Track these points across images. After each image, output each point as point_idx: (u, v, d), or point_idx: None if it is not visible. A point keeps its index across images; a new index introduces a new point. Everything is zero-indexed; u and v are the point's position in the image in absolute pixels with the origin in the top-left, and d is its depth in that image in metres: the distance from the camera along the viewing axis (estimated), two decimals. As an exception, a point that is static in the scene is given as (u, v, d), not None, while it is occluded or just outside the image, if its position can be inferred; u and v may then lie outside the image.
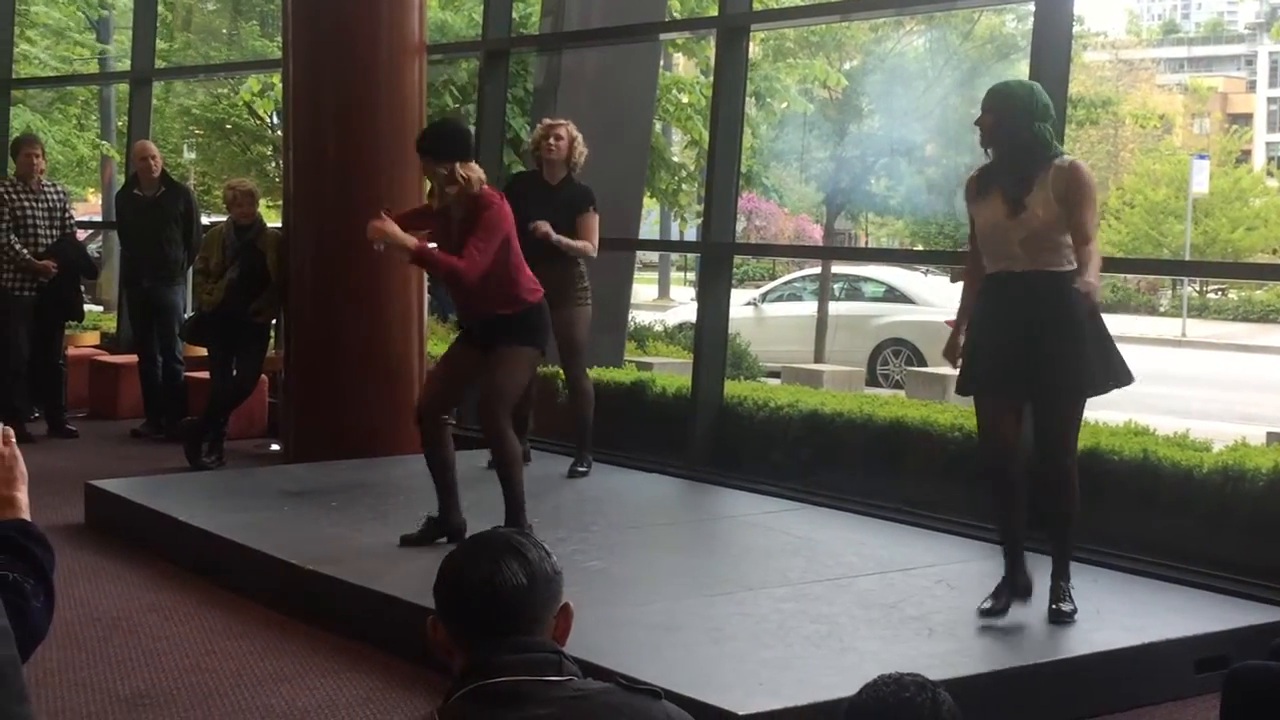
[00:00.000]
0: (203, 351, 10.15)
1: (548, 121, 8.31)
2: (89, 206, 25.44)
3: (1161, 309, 32.54)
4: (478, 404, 6.84)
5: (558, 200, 8.07)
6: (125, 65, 16.21)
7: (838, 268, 20.12)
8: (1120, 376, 5.63)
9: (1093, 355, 5.53)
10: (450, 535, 6.63)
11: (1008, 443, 5.67)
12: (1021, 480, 5.70)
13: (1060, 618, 5.62)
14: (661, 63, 14.38)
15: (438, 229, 6.75)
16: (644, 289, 30.03)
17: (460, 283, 6.46)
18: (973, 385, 5.73)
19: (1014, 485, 5.70)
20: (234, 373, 9.74)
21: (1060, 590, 5.69)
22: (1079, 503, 5.74)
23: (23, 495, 2.56)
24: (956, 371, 5.84)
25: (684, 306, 21.82)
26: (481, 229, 6.41)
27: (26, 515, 2.50)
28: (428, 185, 6.99)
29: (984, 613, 5.67)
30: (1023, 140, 5.55)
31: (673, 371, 10.15)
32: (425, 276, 9.07)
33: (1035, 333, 5.51)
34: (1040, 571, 5.74)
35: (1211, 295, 33.16)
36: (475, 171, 6.53)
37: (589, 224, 8.09)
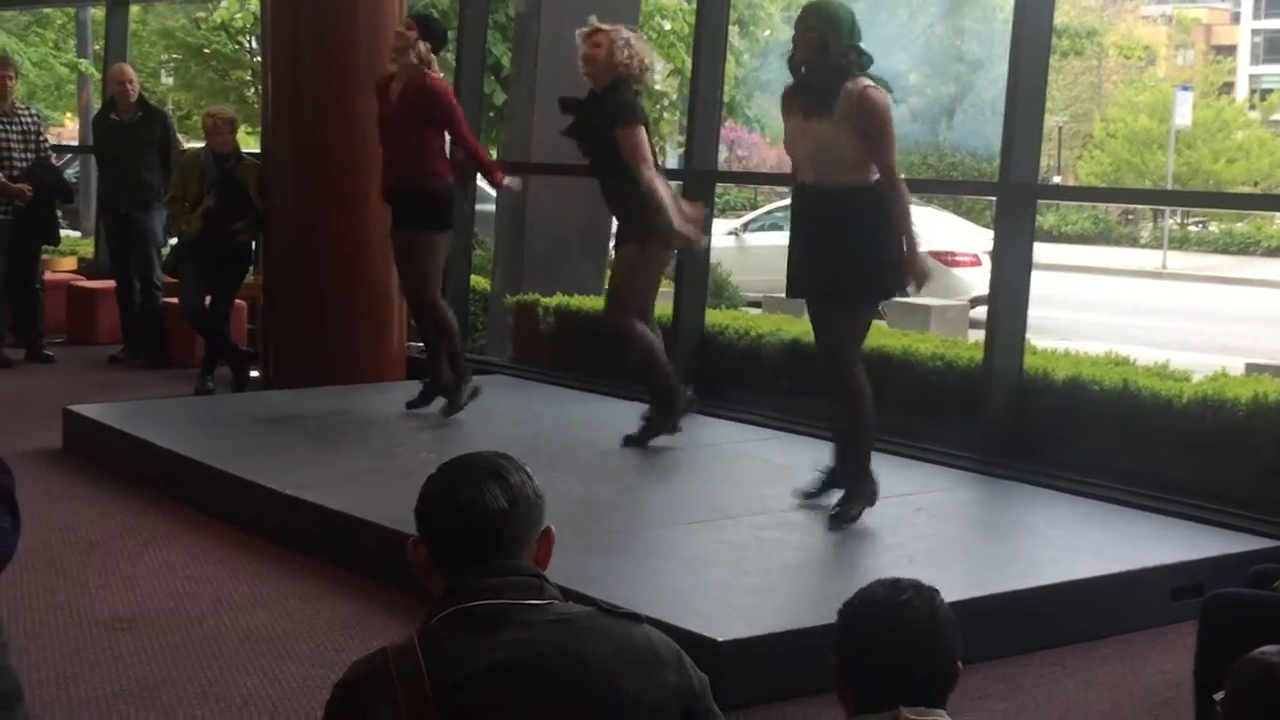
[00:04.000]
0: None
1: (582, 29, 7.28)
2: (66, 131, 25.23)
3: (1142, 240, 32.56)
4: (405, 290, 8.13)
5: (593, 113, 7.15)
6: (102, -13, 16.01)
7: (819, 197, 20.02)
8: (882, 288, 5.96)
9: (861, 266, 5.76)
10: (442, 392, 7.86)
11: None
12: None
13: (838, 523, 5.86)
14: (644, -11, 14.25)
15: (376, 96, 7.84)
16: (625, 217, 29.84)
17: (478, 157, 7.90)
18: (790, 291, 6.09)
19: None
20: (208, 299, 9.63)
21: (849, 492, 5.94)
22: (866, 408, 5.92)
23: None
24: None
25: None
26: (454, 121, 7.69)
27: None
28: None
29: (803, 495, 6.06)
30: (836, 59, 5.75)
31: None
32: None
33: (813, 243, 5.87)
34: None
35: (1192, 228, 33.16)
36: (434, 59, 7.69)
37: (626, 139, 6.94)
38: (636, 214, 7.00)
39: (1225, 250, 30.78)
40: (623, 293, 7.15)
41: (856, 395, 5.91)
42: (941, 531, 6.02)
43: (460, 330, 10.04)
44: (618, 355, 7.62)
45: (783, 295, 6.40)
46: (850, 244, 5.75)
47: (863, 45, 5.84)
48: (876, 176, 5.77)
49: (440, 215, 7.82)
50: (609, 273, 7.36)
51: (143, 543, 6.30)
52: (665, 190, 7.03)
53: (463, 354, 8.05)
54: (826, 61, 5.76)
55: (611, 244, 7.40)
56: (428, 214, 7.76)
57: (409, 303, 8.17)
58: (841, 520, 5.89)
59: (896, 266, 5.82)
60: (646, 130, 7.05)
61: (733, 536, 5.79)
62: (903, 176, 5.90)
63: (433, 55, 7.74)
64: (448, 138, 7.84)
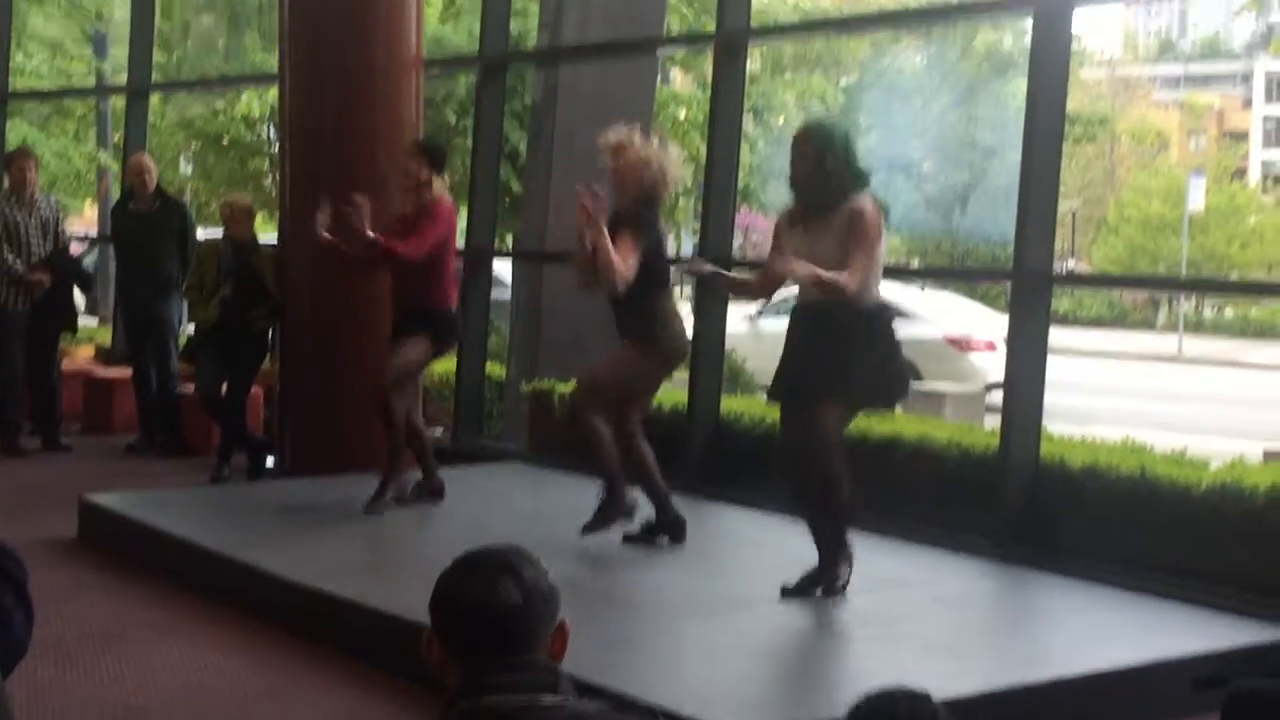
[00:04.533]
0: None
1: (605, 141, 6.98)
2: (85, 220, 25.42)
3: (1158, 325, 32.57)
4: (377, 374, 7.88)
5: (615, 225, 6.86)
6: (122, 79, 16.19)
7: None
8: (861, 393, 6.00)
9: (833, 371, 5.85)
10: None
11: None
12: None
13: (830, 594, 6.01)
14: (659, 77, 14.38)
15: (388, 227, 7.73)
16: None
17: (398, 261, 7.58)
18: (771, 396, 6.26)
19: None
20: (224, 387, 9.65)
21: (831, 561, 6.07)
22: (843, 493, 6.05)
23: None
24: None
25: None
26: (427, 223, 7.60)
27: None
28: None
29: (785, 592, 6.03)
30: (835, 177, 5.85)
31: (669, 387, 10.11)
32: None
33: (797, 352, 5.97)
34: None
35: (1208, 312, 33.19)
36: (439, 182, 7.75)
37: (619, 240, 6.72)
38: (651, 329, 6.88)
39: (1241, 334, 30.79)
40: (605, 384, 6.94)
41: (833, 485, 6.01)
42: (960, 620, 5.98)
43: (476, 417, 10.09)
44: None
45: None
46: (831, 352, 5.84)
47: (859, 162, 5.95)
48: (872, 303, 5.88)
49: (435, 328, 7.84)
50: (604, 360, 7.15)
51: (158, 634, 6.28)
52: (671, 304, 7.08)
53: (418, 457, 8.02)
54: (825, 180, 5.87)
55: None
56: (418, 326, 7.79)
57: (376, 385, 7.86)
58: (832, 592, 5.98)
59: (890, 377, 5.96)
60: (659, 247, 6.95)
61: (749, 627, 5.75)
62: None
63: (436, 179, 7.77)
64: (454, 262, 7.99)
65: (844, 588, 6.05)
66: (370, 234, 7.51)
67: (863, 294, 5.81)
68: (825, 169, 5.86)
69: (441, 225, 7.71)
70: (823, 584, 6.06)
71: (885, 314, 6.00)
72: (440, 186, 7.81)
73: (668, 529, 7.09)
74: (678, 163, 6.97)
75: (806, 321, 6.01)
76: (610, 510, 6.95)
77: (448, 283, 7.93)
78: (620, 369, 7.00)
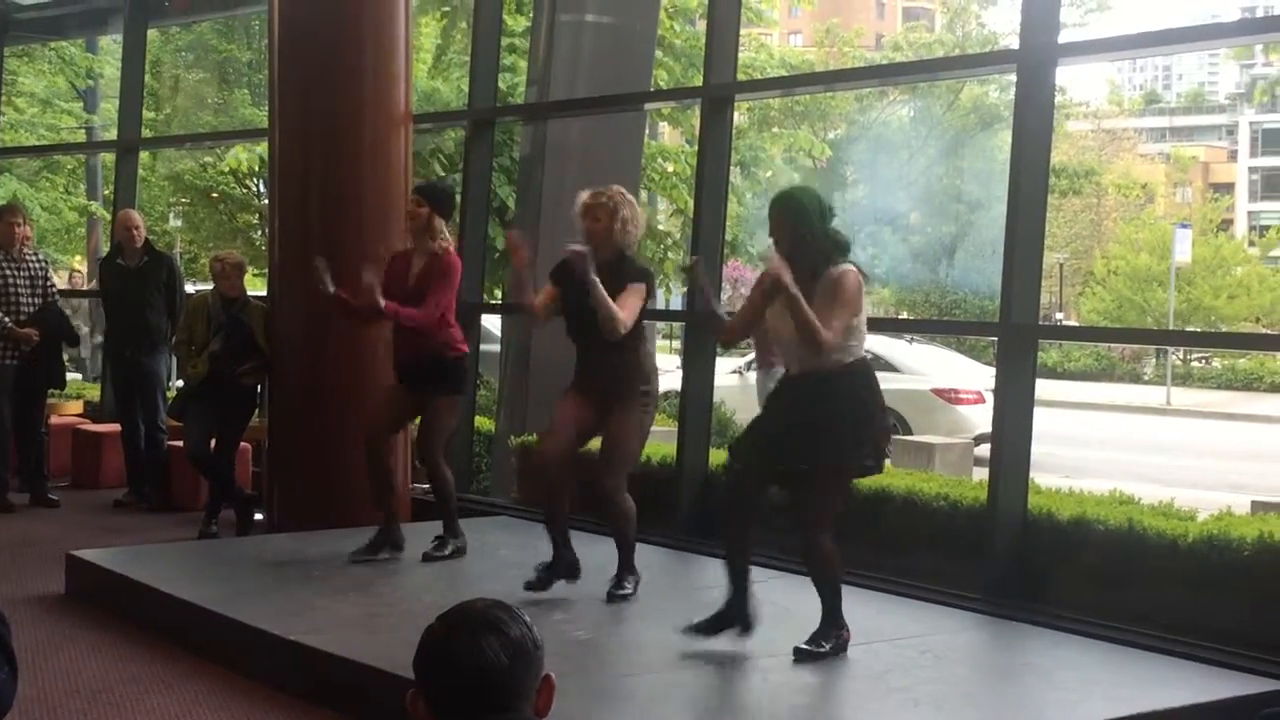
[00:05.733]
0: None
1: (584, 199, 7.06)
2: (75, 274, 25.43)
3: (1145, 377, 32.63)
4: (419, 447, 8.00)
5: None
6: (112, 134, 16.27)
7: (822, 336, 20.08)
8: (846, 454, 5.92)
9: (822, 436, 5.84)
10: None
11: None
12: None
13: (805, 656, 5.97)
14: (647, 132, 14.45)
15: (390, 269, 7.82)
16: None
17: (418, 326, 7.63)
18: (735, 453, 6.22)
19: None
20: (213, 442, 9.65)
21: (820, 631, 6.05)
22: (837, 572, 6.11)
23: None
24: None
25: (669, 375, 21.81)
26: (440, 279, 7.66)
27: None
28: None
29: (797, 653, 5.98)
30: (809, 244, 5.89)
31: (657, 440, 10.11)
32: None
33: (797, 421, 5.93)
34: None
35: (1195, 363, 33.26)
36: (444, 229, 7.79)
37: (630, 292, 6.88)
38: (632, 385, 6.95)
39: (1229, 386, 30.85)
40: (630, 458, 7.09)
41: (825, 563, 6.07)
42: (948, 674, 5.97)
43: (465, 471, 10.09)
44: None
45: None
46: (819, 419, 5.84)
47: (834, 227, 5.99)
48: (855, 356, 5.90)
49: (454, 384, 7.94)
50: (613, 435, 6.99)
51: (145, 690, 6.25)
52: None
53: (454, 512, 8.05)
54: (806, 250, 5.90)
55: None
56: (440, 383, 7.83)
57: (421, 461, 8.10)
58: (810, 656, 5.97)
59: (871, 441, 5.92)
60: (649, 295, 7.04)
61: (740, 680, 5.74)
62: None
63: (444, 225, 7.83)
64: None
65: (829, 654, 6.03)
66: (381, 301, 7.50)
67: (837, 350, 5.82)
68: (801, 237, 5.90)
69: (452, 285, 7.77)
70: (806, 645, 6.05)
71: (868, 370, 6.00)
72: (446, 235, 7.83)
73: (569, 570, 7.19)
74: (640, 214, 7.12)
75: (797, 394, 5.99)
76: (628, 574, 7.11)
77: (456, 328, 7.94)
78: (636, 436, 7.07)
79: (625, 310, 6.77)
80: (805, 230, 5.89)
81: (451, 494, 8.00)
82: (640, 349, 7.03)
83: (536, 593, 6.83)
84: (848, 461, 5.93)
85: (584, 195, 7.04)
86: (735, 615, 6.12)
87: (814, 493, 5.97)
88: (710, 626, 6.13)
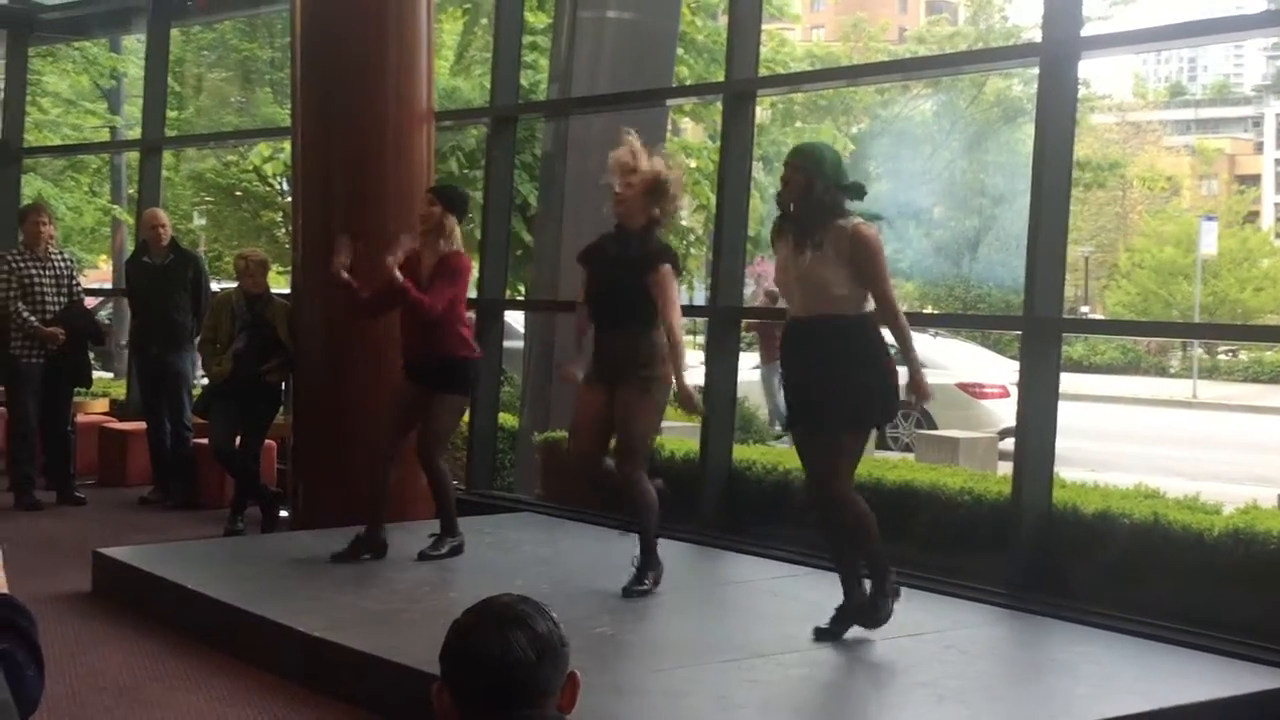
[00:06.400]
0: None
1: (617, 156, 6.92)
2: (100, 274, 25.55)
3: (1172, 370, 32.53)
4: (418, 443, 7.84)
5: (624, 254, 6.94)
6: (136, 133, 16.31)
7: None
8: (866, 418, 6.05)
9: (845, 397, 5.89)
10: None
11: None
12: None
13: (875, 618, 6.08)
14: (669, 128, 14.45)
15: (402, 268, 7.65)
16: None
17: (420, 313, 7.57)
18: (787, 425, 6.30)
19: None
20: (238, 439, 9.68)
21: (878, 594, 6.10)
22: (873, 534, 6.09)
23: (0, 572, 2.53)
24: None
25: (693, 370, 21.81)
26: (448, 276, 7.61)
27: (4, 589, 2.49)
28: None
29: (818, 634, 6.07)
30: (824, 199, 5.93)
31: (681, 435, 10.13)
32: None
33: (800, 377, 6.05)
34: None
35: (1222, 357, 33.14)
36: (457, 229, 7.79)
37: (668, 282, 6.87)
38: (647, 363, 6.89)
39: (1255, 379, 30.73)
40: (643, 443, 7.08)
41: (861, 525, 6.05)
42: (973, 669, 5.96)
43: (489, 468, 10.10)
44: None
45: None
46: (836, 375, 5.89)
47: (849, 180, 6.03)
48: (865, 309, 5.95)
49: (459, 384, 7.90)
50: (620, 420, 6.93)
51: (171, 688, 6.28)
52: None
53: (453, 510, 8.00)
54: (814, 201, 5.94)
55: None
56: (446, 381, 7.82)
57: (424, 457, 7.94)
58: (876, 620, 6.09)
59: (888, 394, 5.97)
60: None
61: (763, 675, 5.75)
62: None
63: (457, 227, 7.84)
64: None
65: (888, 618, 6.12)
66: (399, 276, 7.51)
67: (896, 311, 5.92)
68: (815, 192, 5.94)
69: (461, 282, 7.79)
70: (866, 618, 6.12)
71: (876, 323, 6.03)
72: (458, 234, 7.85)
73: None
74: (680, 182, 7.04)
75: (808, 340, 6.02)
76: (649, 569, 7.05)
77: (465, 329, 7.96)
78: (644, 418, 7.02)
79: (670, 305, 6.86)
80: (819, 183, 5.92)
81: (450, 492, 7.97)
82: (653, 331, 6.92)
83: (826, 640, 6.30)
84: (867, 414, 6.01)
85: (631, 145, 6.90)
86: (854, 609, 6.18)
87: (830, 451, 6.01)
88: (836, 626, 6.17)
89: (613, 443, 7.08)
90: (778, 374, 6.85)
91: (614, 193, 6.90)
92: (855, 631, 6.18)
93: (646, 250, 6.86)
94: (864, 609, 6.14)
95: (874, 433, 6.68)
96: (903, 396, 6.00)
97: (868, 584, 6.16)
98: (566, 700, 2.41)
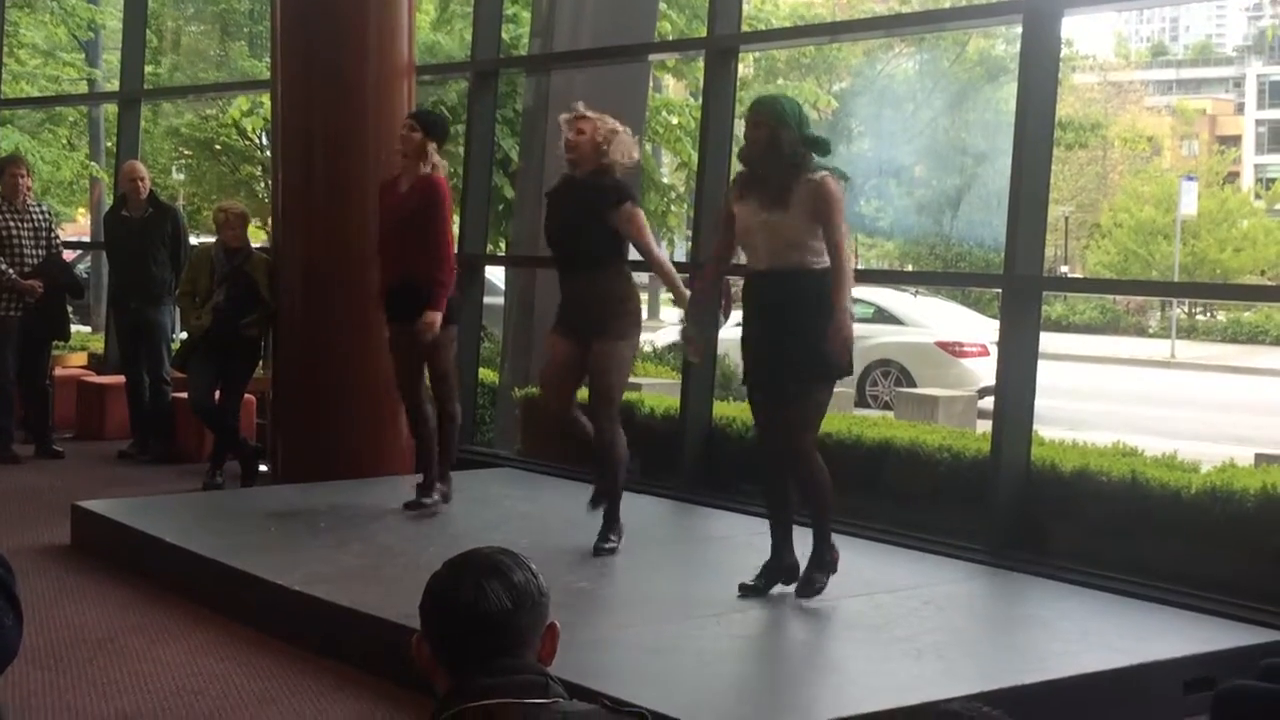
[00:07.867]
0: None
1: (566, 115, 7.10)
2: (78, 227, 25.43)
3: (1150, 330, 32.60)
4: (432, 385, 7.91)
5: (579, 199, 6.98)
6: (114, 86, 16.22)
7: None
8: (833, 369, 5.99)
9: (808, 349, 5.89)
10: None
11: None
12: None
13: (807, 593, 6.05)
14: (651, 84, 14.40)
15: (381, 204, 7.86)
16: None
17: (443, 277, 7.71)
18: (746, 379, 6.25)
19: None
20: (217, 393, 9.65)
21: (814, 567, 6.11)
22: (826, 495, 6.10)
23: None
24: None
25: (673, 327, 21.79)
26: (435, 218, 7.67)
27: None
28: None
29: (743, 589, 6.08)
30: (788, 154, 5.90)
31: (661, 392, 10.14)
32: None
33: (764, 330, 6.03)
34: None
35: (1200, 316, 33.23)
36: (436, 153, 7.78)
37: (633, 218, 6.91)
38: (614, 309, 6.88)
39: (1234, 339, 30.83)
40: (616, 393, 7.02)
41: (819, 483, 6.06)
42: (949, 624, 5.99)
43: (469, 423, 10.09)
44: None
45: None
46: (804, 326, 5.89)
47: (813, 132, 6.03)
48: (825, 262, 5.92)
49: (456, 315, 7.95)
50: (594, 371, 6.91)
51: (150, 640, 6.28)
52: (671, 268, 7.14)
53: (445, 455, 8.01)
54: (779, 156, 5.92)
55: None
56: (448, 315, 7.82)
57: (404, 397, 8.06)
58: (809, 592, 6.05)
59: (850, 346, 5.94)
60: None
61: (742, 630, 5.77)
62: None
63: (437, 152, 7.85)
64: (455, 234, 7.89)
65: (820, 591, 6.09)
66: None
67: (843, 257, 5.92)
68: (779, 145, 5.91)
69: (446, 215, 7.82)
70: (801, 588, 6.11)
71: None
72: (438, 159, 7.85)
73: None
74: (632, 139, 7.09)
75: (770, 292, 6.01)
76: (614, 525, 7.07)
77: (450, 253, 7.91)
78: (623, 372, 7.05)
79: (646, 239, 6.95)
80: (784, 135, 5.90)
81: (432, 439, 7.96)
82: (620, 276, 6.95)
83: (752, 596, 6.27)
84: (835, 365, 5.97)
85: (576, 106, 7.06)
86: (781, 567, 6.20)
87: (794, 404, 6.00)
88: (762, 583, 6.17)
89: (583, 393, 7.10)
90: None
91: (565, 139, 6.98)
92: (830, 590, 6.19)
93: (602, 188, 6.86)
94: (793, 572, 6.17)
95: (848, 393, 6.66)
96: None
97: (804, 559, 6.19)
98: (546, 651, 2.42)
